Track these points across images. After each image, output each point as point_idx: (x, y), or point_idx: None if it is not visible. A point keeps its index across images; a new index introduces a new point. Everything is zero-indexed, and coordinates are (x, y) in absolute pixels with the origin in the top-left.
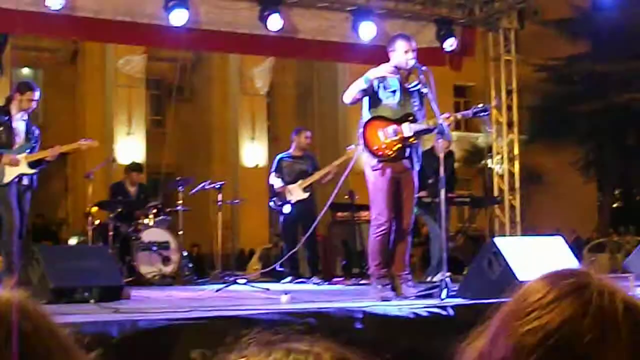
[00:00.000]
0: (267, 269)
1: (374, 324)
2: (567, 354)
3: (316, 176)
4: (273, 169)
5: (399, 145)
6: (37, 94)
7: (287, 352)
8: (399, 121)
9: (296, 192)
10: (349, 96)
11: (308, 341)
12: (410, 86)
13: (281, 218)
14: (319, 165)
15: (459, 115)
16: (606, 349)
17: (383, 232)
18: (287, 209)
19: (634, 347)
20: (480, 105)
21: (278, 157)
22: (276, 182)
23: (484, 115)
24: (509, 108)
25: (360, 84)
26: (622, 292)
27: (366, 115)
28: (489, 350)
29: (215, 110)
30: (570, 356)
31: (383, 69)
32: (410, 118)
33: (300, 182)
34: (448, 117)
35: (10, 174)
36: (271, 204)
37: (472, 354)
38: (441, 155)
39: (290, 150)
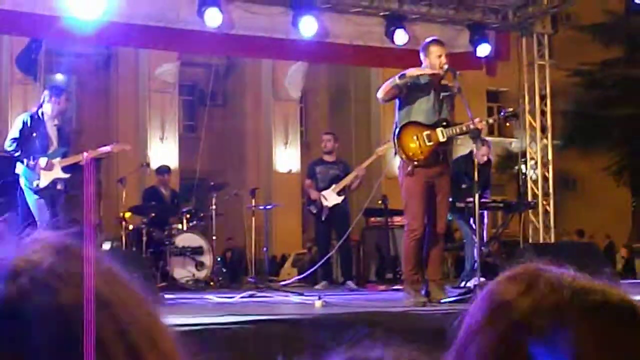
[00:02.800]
0: (302, 275)
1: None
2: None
3: (347, 180)
4: (307, 174)
5: (434, 151)
6: (67, 97)
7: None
8: (433, 126)
9: (331, 197)
10: (382, 92)
11: (381, 346)
12: (442, 91)
13: (316, 223)
14: (350, 170)
15: (490, 120)
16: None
17: (416, 237)
18: (324, 214)
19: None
20: (510, 109)
21: (311, 163)
22: (312, 190)
23: (513, 119)
24: (543, 113)
25: (394, 79)
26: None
27: (399, 118)
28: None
29: (248, 116)
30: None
31: (419, 71)
32: (444, 123)
33: (334, 186)
34: (480, 122)
35: (46, 178)
36: (310, 209)
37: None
38: (479, 161)
39: (322, 157)
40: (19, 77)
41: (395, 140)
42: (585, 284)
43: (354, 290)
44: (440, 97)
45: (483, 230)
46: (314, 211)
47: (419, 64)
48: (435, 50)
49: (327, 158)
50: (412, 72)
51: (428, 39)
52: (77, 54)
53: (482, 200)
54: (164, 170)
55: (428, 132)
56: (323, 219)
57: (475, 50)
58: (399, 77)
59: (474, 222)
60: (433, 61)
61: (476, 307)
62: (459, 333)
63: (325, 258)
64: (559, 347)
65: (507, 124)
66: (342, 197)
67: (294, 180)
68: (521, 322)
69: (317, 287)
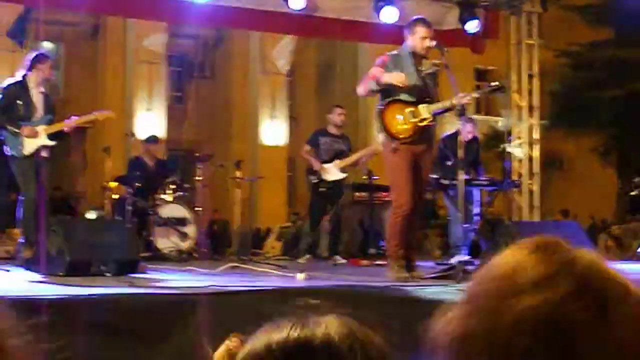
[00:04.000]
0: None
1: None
2: (565, 331)
3: (353, 158)
4: (308, 141)
5: (418, 127)
6: (52, 63)
7: (296, 326)
8: (416, 103)
9: (333, 172)
10: (361, 90)
11: (318, 316)
12: (425, 69)
13: (312, 194)
14: (353, 147)
15: (475, 94)
16: (598, 327)
17: (404, 213)
18: (323, 187)
19: (621, 325)
20: (495, 83)
21: (315, 131)
22: (313, 159)
23: (499, 93)
24: (530, 92)
25: (371, 86)
26: (607, 268)
27: (382, 95)
28: (475, 328)
29: (235, 88)
30: (567, 334)
31: (394, 78)
32: (427, 99)
33: (337, 161)
34: (463, 97)
35: (30, 146)
36: (311, 179)
37: (450, 332)
38: (464, 139)
39: (328, 128)
40: (7, 45)
41: (379, 118)
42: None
43: (339, 265)
44: (422, 74)
45: (473, 208)
46: (314, 181)
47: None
48: (420, 30)
49: (333, 131)
50: (387, 79)
51: (414, 18)
52: (66, 23)
53: (468, 178)
54: (152, 139)
55: (412, 108)
56: (320, 190)
57: (464, 28)
58: (376, 84)
59: (458, 199)
60: (417, 42)
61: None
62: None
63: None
64: None
65: (493, 100)
66: (344, 175)
67: (280, 153)
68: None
69: (299, 260)
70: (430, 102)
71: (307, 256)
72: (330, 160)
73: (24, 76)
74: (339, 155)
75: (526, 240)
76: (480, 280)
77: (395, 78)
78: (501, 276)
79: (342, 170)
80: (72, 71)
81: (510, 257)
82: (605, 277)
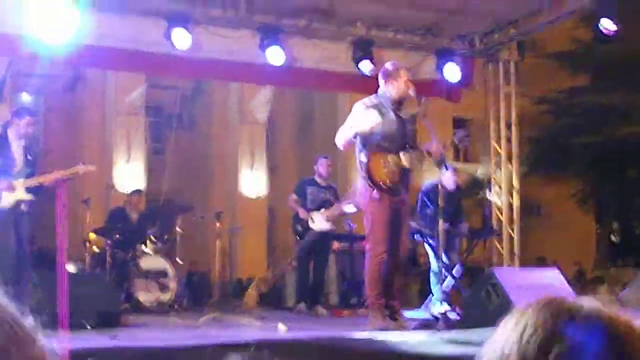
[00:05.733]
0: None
1: (375, 354)
2: None
3: (339, 209)
4: (295, 190)
5: (398, 176)
6: (33, 120)
7: None
8: (397, 150)
9: (319, 221)
10: (339, 142)
11: None
12: (404, 115)
13: (298, 244)
14: (340, 197)
15: (442, 144)
16: None
17: (381, 261)
18: (309, 236)
19: None
20: (460, 131)
21: (302, 180)
22: (299, 208)
23: (466, 139)
24: (509, 140)
25: (348, 135)
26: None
27: (361, 141)
28: None
29: (215, 139)
30: None
31: (367, 124)
32: (407, 146)
33: (323, 211)
34: (436, 145)
35: (7, 200)
36: (296, 227)
37: None
38: (448, 188)
39: (314, 177)
40: None
41: (364, 167)
42: None
43: (321, 315)
44: (402, 121)
45: (454, 255)
46: (299, 230)
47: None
48: (404, 75)
49: (319, 181)
50: (363, 129)
51: (394, 64)
52: (44, 75)
53: (448, 227)
54: (136, 192)
55: (393, 156)
56: (305, 240)
57: (442, 76)
58: (353, 136)
59: (438, 248)
60: (399, 87)
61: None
62: None
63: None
64: None
65: (472, 148)
66: (329, 224)
67: (259, 204)
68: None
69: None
70: (409, 150)
71: (300, 304)
72: (316, 210)
73: (4, 129)
74: (325, 204)
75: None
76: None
77: (370, 123)
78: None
79: (328, 220)
80: (51, 123)
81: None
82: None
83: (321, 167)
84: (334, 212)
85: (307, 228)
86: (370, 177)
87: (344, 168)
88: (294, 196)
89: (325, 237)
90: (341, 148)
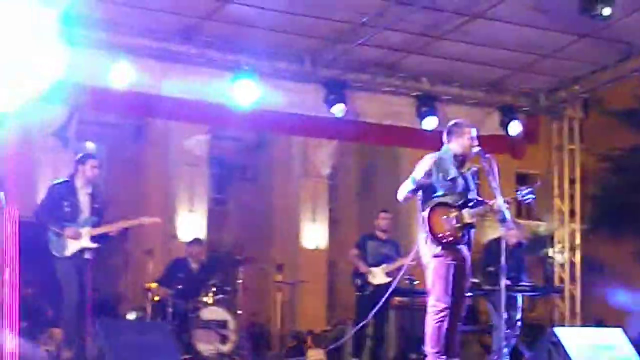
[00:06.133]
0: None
1: None
2: None
3: (399, 264)
4: (356, 244)
5: (461, 232)
6: (97, 162)
7: None
8: (460, 207)
9: (379, 276)
10: (401, 196)
11: None
12: (466, 171)
13: (357, 298)
14: (401, 252)
15: (503, 199)
16: None
17: (443, 319)
18: (368, 291)
19: None
20: (523, 188)
21: (363, 235)
22: (360, 262)
23: (530, 197)
24: (571, 197)
25: (408, 186)
26: None
27: (424, 197)
28: None
29: (277, 191)
30: None
31: (423, 167)
32: (470, 204)
33: (384, 266)
34: (493, 202)
35: (72, 247)
36: (356, 282)
37: None
38: (509, 244)
39: (375, 233)
40: (50, 145)
41: (426, 222)
42: None
43: None
44: (464, 177)
45: (515, 313)
46: (359, 284)
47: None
48: (468, 131)
49: (380, 235)
50: (418, 173)
51: (458, 120)
52: (108, 124)
53: (510, 284)
54: (195, 242)
55: (456, 212)
56: (365, 294)
57: (506, 131)
58: (412, 183)
59: (499, 305)
60: (464, 143)
61: None
62: None
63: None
64: None
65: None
66: (389, 279)
67: (320, 256)
68: None
69: None
70: (472, 206)
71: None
72: (376, 265)
73: (71, 177)
74: (386, 259)
75: None
76: None
77: (425, 166)
78: None
79: (389, 274)
80: (114, 172)
81: None
82: None
83: (382, 221)
84: (394, 266)
85: (366, 283)
86: (432, 232)
87: (406, 223)
88: (355, 250)
89: (384, 291)
90: (402, 201)
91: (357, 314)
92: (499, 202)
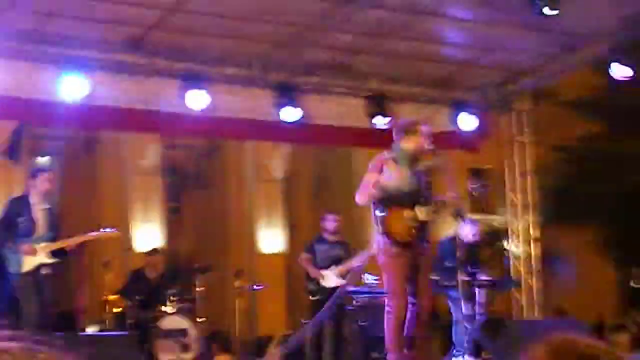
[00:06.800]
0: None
1: None
2: None
3: (349, 264)
4: (305, 249)
5: (416, 230)
6: (50, 175)
7: None
8: (413, 204)
9: (330, 278)
10: (363, 200)
11: None
12: (418, 169)
13: (312, 303)
14: (352, 252)
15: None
16: None
17: (400, 316)
18: (321, 295)
19: None
20: (476, 182)
21: (312, 239)
22: (309, 266)
23: (481, 189)
24: (525, 190)
25: (371, 191)
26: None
27: (376, 201)
28: None
29: (231, 197)
30: None
31: (387, 176)
32: (422, 200)
33: (334, 268)
34: (449, 196)
35: (29, 263)
36: (308, 287)
37: None
38: (466, 240)
39: (324, 235)
40: (3, 162)
41: (382, 223)
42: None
43: None
44: (417, 175)
45: (475, 308)
46: (311, 289)
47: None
48: (423, 130)
49: (329, 237)
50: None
51: (410, 119)
52: (59, 137)
53: (468, 279)
54: (153, 252)
55: (410, 212)
56: (319, 298)
57: (457, 127)
58: (379, 189)
59: (459, 300)
60: (417, 142)
61: None
62: None
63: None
64: None
65: (490, 199)
66: (342, 281)
67: (278, 261)
68: None
69: None
70: (425, 203)
71: None
72: (327, 267)
73: (26, 192)
74: (337, 261)
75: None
76: None
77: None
78: None
79: (341, 276)
80: (67, 185)
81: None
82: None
83: (328, 223)
84: (345, 268)
85: (320, 287)
86: (387, 232)
87: (360, 223)
88: (305, 255)
89: (339, 294)
90: (362, 204)
91: (314, 318)
92: (452, 197)
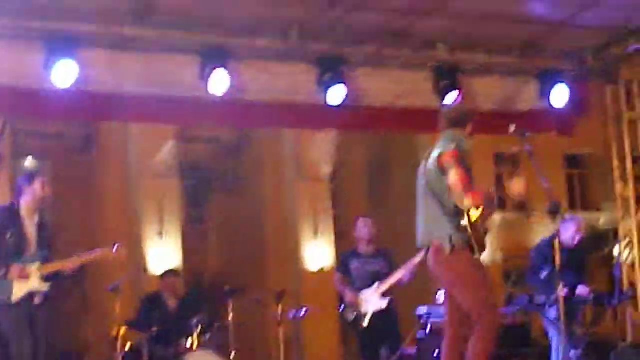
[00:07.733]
0: None
1: None
2: None
3: (393, 279)
4: (337, 268)
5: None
6: (43, 181)
7: None
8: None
9: (372, 300)
10: (477, 203)
11: None
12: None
13: (357, 334)
14: (394, 263)
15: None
16: None
17: (497, 332)
18: (365, 322)
19: None
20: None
21: (343, 254)
22: (345, 290)
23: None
24: (637, 179)
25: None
26: None
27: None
28: None
29: (267, 201)
30: None
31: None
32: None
33: (376, 286)
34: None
35: (19, 290)
36: (346, 315)
37: None
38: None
39: (357, 248)
40: None
41: (466, 229)
42: None
43: None
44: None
45: (577, 329)
46: (351, 318)
47: None
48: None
49: (363, 249)
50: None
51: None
52: (50, 135)
53: (566, 294)
54: (170, 274)
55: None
56: (365, 326)
57: (549, 104)
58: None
59: (558, 320)
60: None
61: None
62: None
63: None
64: None
65: (591, 191)
66: (386, 300)
67: (326, 279)
68: None
69: None
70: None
71: None
72: (366, 287)
73: (12, 202)
74: (377, 277)
75: None
76: None
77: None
78: None
79: (385, 296)
80: (62, 193)
81: None
82: None
83: (359, 230)
84: (388, 285)
85: (361, 314)
86: (474, 241)
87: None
88: (337, 275)
89: (387, 318)
90: (477, 207)
91: (363, 352)
92: (547, 189)
